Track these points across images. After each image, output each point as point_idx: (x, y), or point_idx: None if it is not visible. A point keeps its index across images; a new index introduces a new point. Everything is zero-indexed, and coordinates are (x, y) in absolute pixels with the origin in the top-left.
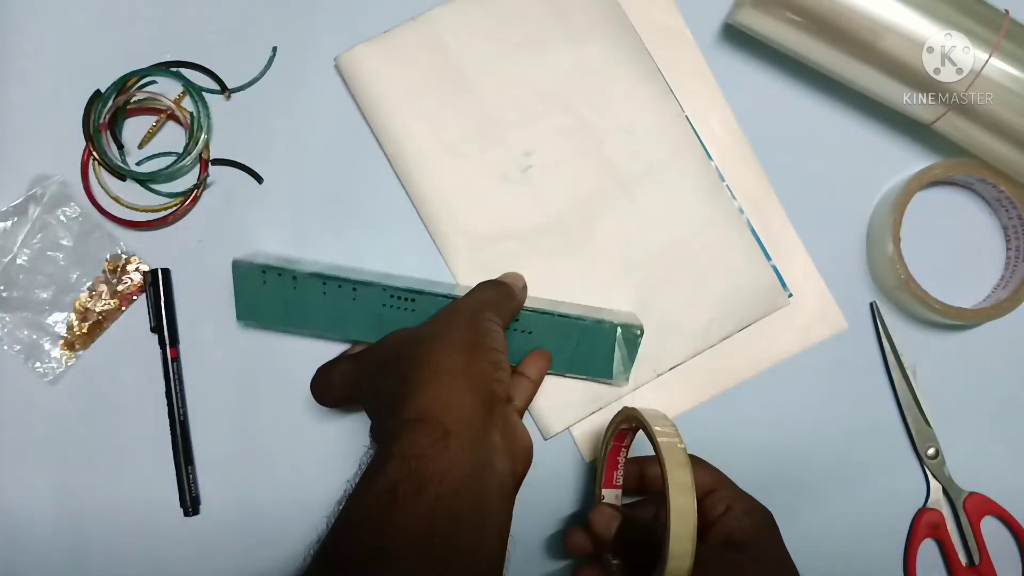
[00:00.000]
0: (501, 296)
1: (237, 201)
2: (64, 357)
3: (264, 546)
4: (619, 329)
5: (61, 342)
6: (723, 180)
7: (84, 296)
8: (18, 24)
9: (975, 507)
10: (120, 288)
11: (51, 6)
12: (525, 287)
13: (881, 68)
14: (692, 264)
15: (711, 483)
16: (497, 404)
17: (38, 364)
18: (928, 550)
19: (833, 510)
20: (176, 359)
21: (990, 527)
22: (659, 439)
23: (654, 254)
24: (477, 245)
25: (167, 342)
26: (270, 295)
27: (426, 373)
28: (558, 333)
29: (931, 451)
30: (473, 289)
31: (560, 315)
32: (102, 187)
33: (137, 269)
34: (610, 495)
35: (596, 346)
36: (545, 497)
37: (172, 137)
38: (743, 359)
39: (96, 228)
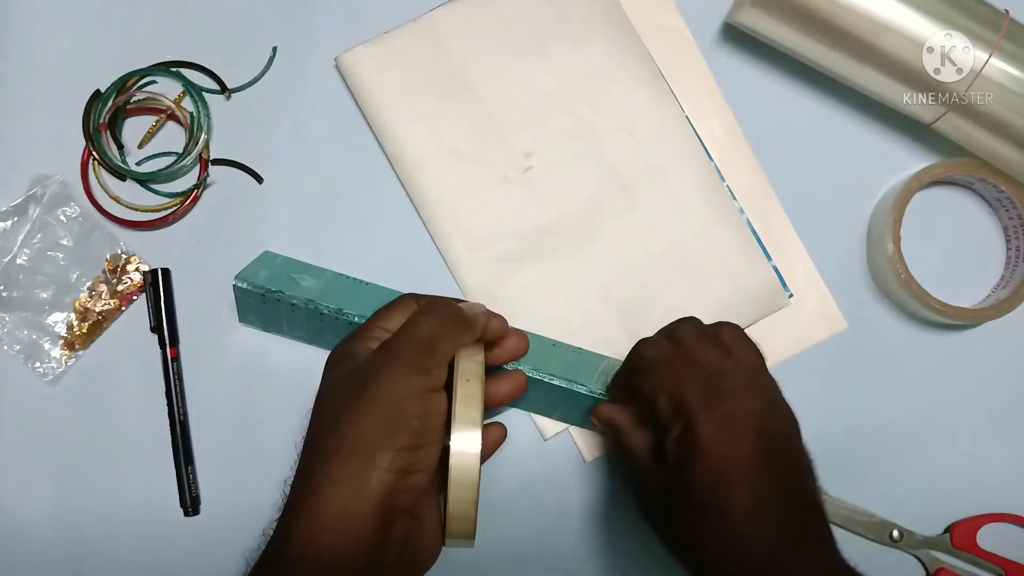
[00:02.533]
0: (447, 330)
1: (237, 201)
2: (64, 357)
3: (262, 544)
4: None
5: (61, 342)
6: (723, 181)
7: (84, 296)
8: (18, 24)
9: (961, 539)
10: (120, 288)
11: (51, 6)
12: (485, 314)
13: (881, 68)
14: (692, 265)
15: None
16: (398, 518)
17: (38, 364)
18: None
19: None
20: (176, 359)
21: (987, 538)
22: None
23: (654, 254)
24: (477, 246)
25: (167, 342)
26: (269, 312)
27: (324, 478)
28: (542, 388)
29: (895, 534)
30: (416, 320)
31: (544, 380)
32: (102, 187)
33: (137, 269)
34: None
35: (579, 405)
36: (545, 497)
37: (172, 137)
38: None
39: (96, 228)
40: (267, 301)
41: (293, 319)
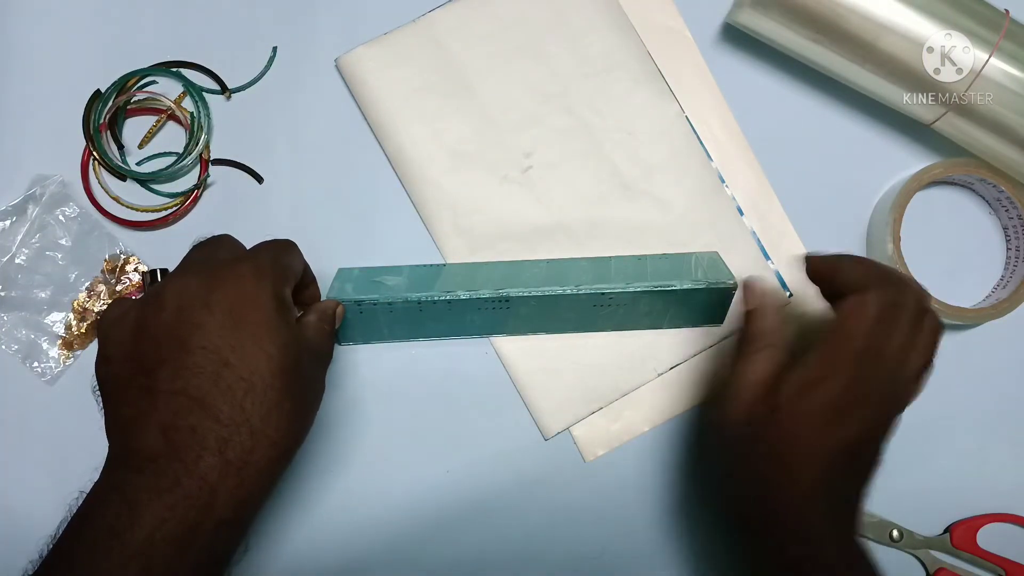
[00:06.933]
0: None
1: (237, 201)
2: (62, 357)
3: (263, 546)
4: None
5: (59, 342)
6: (723, 181)
7: (82, 296)
8: (18, 24)
9: (961, 539)
10: (119, 288)
11: (51, 6)
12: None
13: (881, 68)
14: None
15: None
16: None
17: (36, 364)
18: None
19: None
20: None
21: (987, 538)
22: None
23: (654, 255)
24: (477, 246)
25: None
26: (367, 322)
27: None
28: (650, 301)
29: (895, 534)
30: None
31: (645, 291)
32: (102, 187)
33: (136, 269)
34: None
35: (682, 305)
36: (545, 497)
37: (172, 137)
38: None
39: (95, 228)
40: (364, 311)
41: (392, 320)
